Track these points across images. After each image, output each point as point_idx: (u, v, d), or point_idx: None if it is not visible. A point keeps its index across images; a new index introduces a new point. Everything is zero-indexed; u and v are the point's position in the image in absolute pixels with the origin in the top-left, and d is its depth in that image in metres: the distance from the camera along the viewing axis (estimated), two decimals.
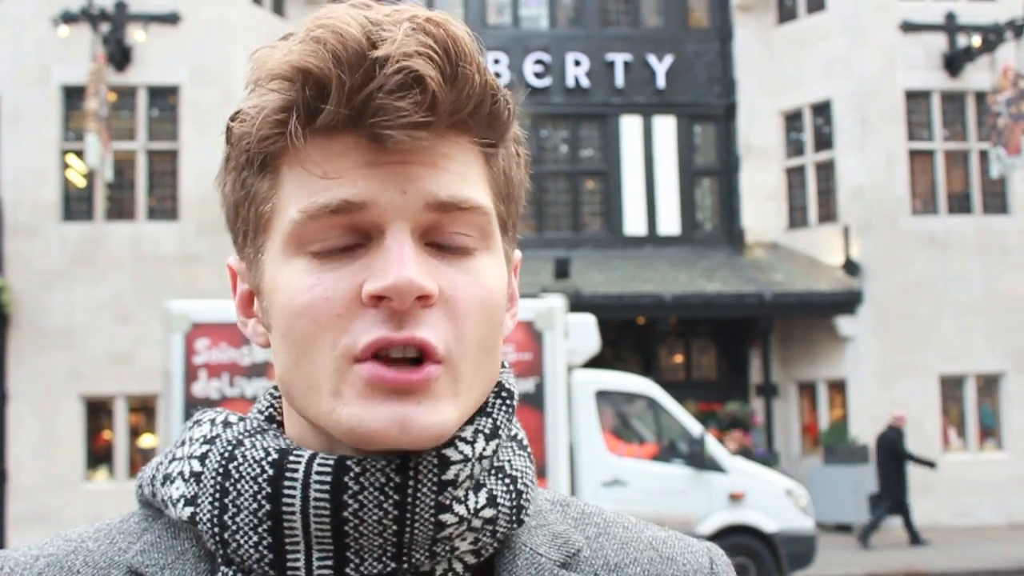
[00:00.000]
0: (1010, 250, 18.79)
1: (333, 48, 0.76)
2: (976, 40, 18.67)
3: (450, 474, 0.79)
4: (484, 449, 0.82)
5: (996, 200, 19.33)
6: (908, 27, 19.06)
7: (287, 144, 0.79)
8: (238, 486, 0.80)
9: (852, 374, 18.75)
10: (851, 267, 18.78)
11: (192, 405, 9.02)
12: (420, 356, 0.77)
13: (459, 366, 0.79)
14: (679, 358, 20.67)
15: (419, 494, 0.78)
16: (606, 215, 20.54)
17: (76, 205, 17.53)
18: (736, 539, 11.24)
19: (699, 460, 11.37)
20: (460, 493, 0.80)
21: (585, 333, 10.97)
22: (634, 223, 20.46)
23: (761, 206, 20.41)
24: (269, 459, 0.79)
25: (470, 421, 0.83)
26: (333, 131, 0.78)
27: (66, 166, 17.56)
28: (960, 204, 19.31)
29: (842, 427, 18.49)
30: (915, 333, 18.43)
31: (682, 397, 15.32)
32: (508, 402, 0.88)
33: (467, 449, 0.81)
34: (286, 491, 0.78)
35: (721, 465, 11.47)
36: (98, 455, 17.07)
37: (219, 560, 0.81)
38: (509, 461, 0.86)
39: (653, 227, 20.46)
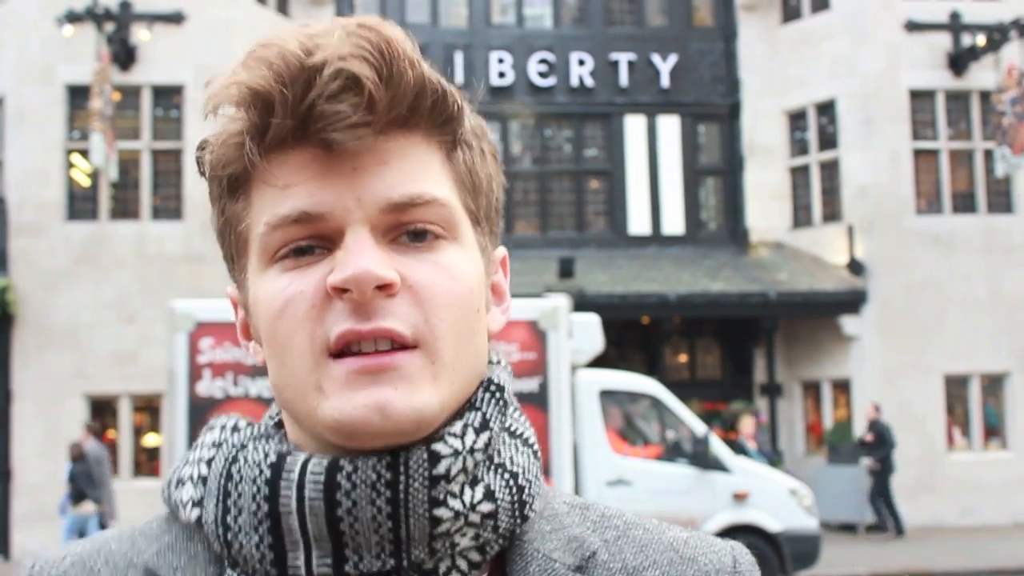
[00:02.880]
0: (1015, 249, 18.76)
1: (274, 65, 0.79)
2: (981, 39, 18.64)
3: (441, 468, 0.80)
4: (475, 442, 0.83)
5: (1001, 199, 19.30)
6: (912, 26, 19.03)
7: (249, 165, 0.82)
8: (239, 488, 0.82)
9: (856, 374, 18.73)
10: (855, 266, 18.76)
11: (196, 404, 9.04)
12: (392, 346, 0.79)
13: (434, 348, 0.80)
14: (683, 357, 20.66)
15: (411, 489, 0.79)
16: (610, 214, 20.53)
17: (80, 204, 17.54)
18: (740, 539, 10.91)
19: (703, 460, 11.37)
20: (455, 488, 0.81)
21: (589, 332, 10.98)
22: (638, 222, 20.44)
23: (765, 205, 20.40)
24: (268, 461, 0.82)
25: (459, 416, 0.84)
26: (288, 145, 0.81)
27: (71, 165, 17.57)
28: (965, 203, 19.28)
29: (846, 427, 18.47)
30: (919, 332, 18.41)
31: (686, 397, 15.31)
32: (497, 395, 0.88)
33: (456, 443, 0.82)
34: (283, 491, 0.79)
35: (725, 465, 11.48)
36: None
37: (226, 562, 0.84)
38: (511, 457, 0.87)
39: (657, 226, 20.45)
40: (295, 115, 0.79)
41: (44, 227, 17.10)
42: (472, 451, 0.82)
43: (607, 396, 11.49)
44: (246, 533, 0.81)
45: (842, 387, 19.20)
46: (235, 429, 0.88)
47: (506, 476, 0.85)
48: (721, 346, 20.52)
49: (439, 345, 0.81)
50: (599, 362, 11.91)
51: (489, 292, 0.91)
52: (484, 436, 0.84)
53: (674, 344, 20.44)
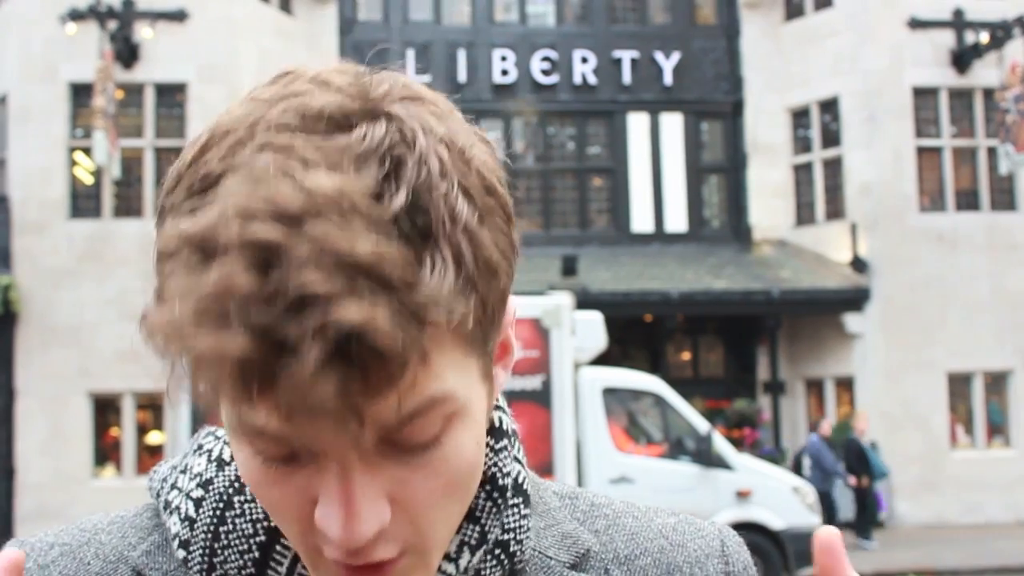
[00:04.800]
0: (1018, 247, 18.75)
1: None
2: (984, 36, 18.62)
3: None
4: (470, 561, 0.78)
5: (1004, 197, 19.29)
6: (916, 23, 19.01)
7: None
8: (226, 553, 0.78)
9: (860, 371, 18.72)
10: (859, 264, 18.74)
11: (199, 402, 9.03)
12: None
13: (426, 550, 0.71)
14: (686, 355, 20.65)
15: None
16: (613, 212, 20.53)
17: (84, 203, 17.57)
18: (743, 536, 11.01)
19: (706, 457, 11.37)
20: None
21: (592, 330, 10.98)
22: (641, 220, 20.44)
23: (768, 203, 20.39)
24: (257, 539, 0.77)
25: (456, 529, 0.76)
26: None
27: (74, 163, 17.59)
28: (968, 201, 19.26)
29: (849, 424, 18.45)
30: (923, 330, 18.39)
31: (689, 394, 15.30)
32: (499, 500, 0.80)
33: (450, 568, 0.77)
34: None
35: (728, 462, 11.47)
36: (106, 452, 17.12)
37: None
38: (501, 524, 0.81)
39: (660, 224, 20.45)
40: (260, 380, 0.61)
41: (47, 225, 17.12)
42: (466, 570, 0.78)
43: (610, 394, 11.49)
44: None
45: (845, 385, 19.19)
46: (220, 464, 0.82)
47: (497, 552, 0.80)
48: (724, 344, 20.52)
49: (431, 546, 0.71)
50: (602, 360, 11.91)
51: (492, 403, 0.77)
52: (480, 552, 0.79)
53: (677, 342, 20.43)
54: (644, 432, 11.97)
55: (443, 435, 0.67)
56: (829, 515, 15.09)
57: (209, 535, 0.79)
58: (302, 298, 0.57)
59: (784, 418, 19.64)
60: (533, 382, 9.34)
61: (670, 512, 0.94)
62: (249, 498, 0.80)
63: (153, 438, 17.20)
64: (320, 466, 0.66)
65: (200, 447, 0.87)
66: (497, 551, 0.80)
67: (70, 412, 16.78)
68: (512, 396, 9.01)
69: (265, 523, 0.78)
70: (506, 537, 0.81)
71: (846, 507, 16.08)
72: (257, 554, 0.77)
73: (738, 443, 16.36)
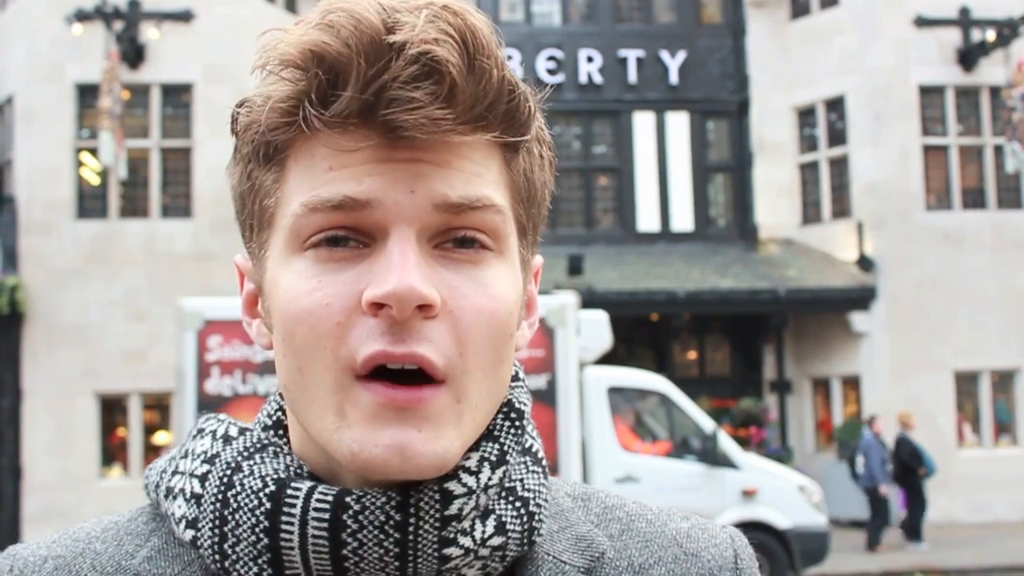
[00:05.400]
0: None
1: (348, 33, 0.72)
2: (990, 35, 18.59)
3: (453, 509, 0.77)
4: (490, 479, 0.80)
5: (1011, 195, 19.26)
6: (922, 22, 18.99)
7: (294, 135, 0.76)
8: (236, 516, 0.78)
9: (866, 370, 18.70)
10: (865, 263, 18.73)
11: (205, 402, 9.05)
12: (421, 377, 0.74)
13: (462, 384, 0.75)
14: (692, 354, 20.64)
15: (421, 531, 0.75)
16: (619, 211, 20.52)
17: (90, 203, 17.59)
18: (749, 535, 10.80)
19: (712, 456, 11.36)
20: (465, 525, 0.78)
21: (597, 329, 10.97)
22: (647, 219, 20.43)
23: (774, 202, 20.37)
24: (267, 491, 0.78)
25: (475, 446, 0.80)
26: (344, 123, 0.74)
27: (80, 164, 17.62)
28: (974, 199, 19.24)
29: (856, 423, 18.42)
30: (929, 329, 18.37)
31: (695, 393, 15.31)
32: (517, 423, 0.84)
33: (471, 481, 0.78)
34: (284, 527, 0.76)
35: (734, 461, 11.46)
36: (113, 452, 17.14)
37: None
38: (521, 480, 0.84)
39: (666, 223, 20.43)
40: (364, 92, 0.72)
41: (54, 226, 17.15)
42: (487, 487, 0.79)
43: (616, 393, 11.49)
44: (245, 563, 0.77)
45: (852, 384, 19.17)
46: (227, 439, 0.84)
47: (518, 504, 0.82)
48: (730, 343, 20.51)
49: (468, 383, 0.75)
50: (608, 359, 11.91)
51: (523, 309, 0.85)
52: (500, 471, 0.81)
53: (683, 341, 20.43)
54: (650, 431, 11.97)
55: (486, 260, 0.77)
56: (880, 514, 14.92)
57: (218, 503, 0.79)
58: (414, 47, 0.71)
59: (790, 417, 19.62)
60: (538, 381, 9.33)
61: (683, 516, 0.95)
62: (258, 461, 0.80)
63: (160, 438, 17.21)
64: (376, 249, 0.75)
65: (201, 430, 0.87)
66: (518, 504, 0.82)
67: (77, 412, 16.80)
68: None
69: (275, 475, 0.79)
70: (527, 494, 0.83)
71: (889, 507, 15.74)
72: (269, 505, 0.77)
73: (744, 442, 16.34)
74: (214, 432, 0.86)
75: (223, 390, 9.12)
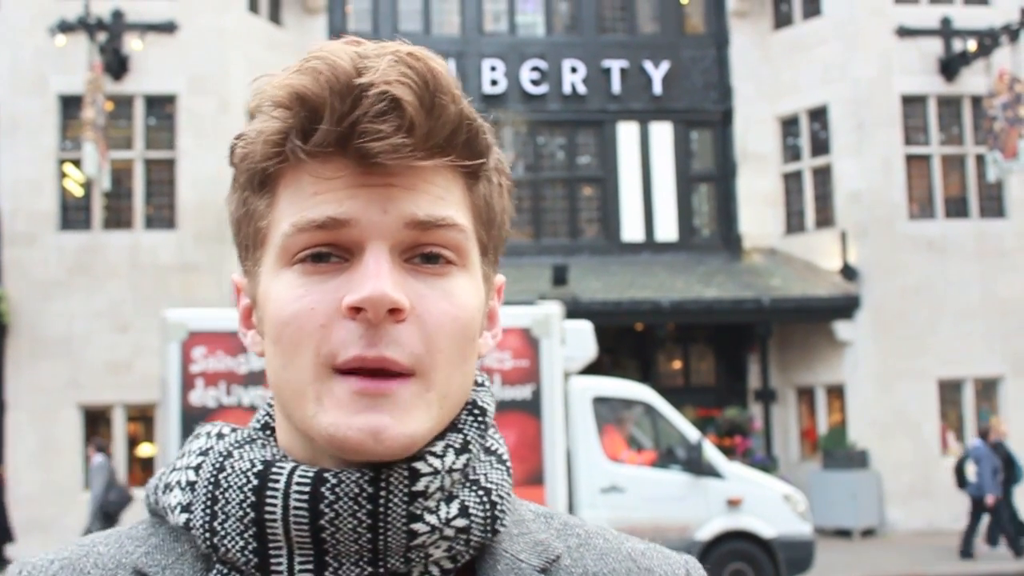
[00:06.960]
0: (1007, 253, 18.81)
1: (325, 78, 0.83)
2: (972, 44, 18.71)
3: (420, 485, 0.85)
4: (454, 463, 0.88)
5: (993, 204, 19.36)
6: (904, 32, 19.10)
7: (283, 166, 0.87)
8: (226, 495, 0.87)
9: (850, 379, 18.76)
10: (849, 272, 18.79)
11: (189, 414, 9.03)
12: (391, 372, 0.85)
13: (430, 376, 0.86)
14: (677, 364, 20.68)
15: (391, 504, 0.84)
16: (603, 221, 20.56)
17: (74, 214, 17.54)
18: (734, 545, 11.24)
19: (697, 466, 11.37)
20: (431, 504, 0.86)
21: (582, 339, 10.97)
22: (632, 229, 20.47)
23: (758, 211, 20.43)
24: (254, 470, 0.87)
25: (441, 436, 0.89)
26: (324, 154, 0.85)
27: (63, 175, 17.57)
28: (957, 208, 19.34)
29: (841, 432, 18.49)
30: (913, 337, 18.44)
31: (680, 403, 15.31)
32: (480, 418, 0.94)
33: (436, 463, 0.87)
34: (268, 500, 0.84)
35: (719, 471, 11.47)
36: None
37: (214, 559, 0.88)
38: (485, 474, 0.92)
39: (651, 233, 20.48)
40: (340, 125, 0.83)
41: (37, 237, 17.09)
42: (451, 471, 0.88)
43: (600, 403, 11.49)
44: (232, 538, 0.85)
45: (836, 392, 19.22)
46: (220, 436, 0.93)
47: (480, 493, 0.90)
48: (715, 352, 20.54)
49: (435, 375, 0.86)
50: (593, 369, 11.91)
51: (485, 319, 0.96)
52: (463, 458, 0.90)
53: (668, 351, 20.46)
54: (635, 441, 11.97)
55: (450, 273, 0.88)
56: (978, 522, 14.76)
57: (210, 485, 0.88)
58: (378, 87, 0.82)
59: (775, 426, 19.67)
60: (523, 392, 9.33)
61: (641, 540, 1.02)
62: (248, 450, 0.90)
63: (144, 450, 17.15)
64: (354, 263, 0.86)
65: (198, 434, 0.96)
66: (481, 493, 0.90)
67: (60, 424, 16.73)
68: (502, 406, 9.01)
69: (262, 455, 0.89)
70: (489, 486, 0.92)
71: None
72: (256, 482, 0.86)
73: (729, 452, 16.38)
74: (208, 432, 0.95)
75: (207, 401, 9.10)
